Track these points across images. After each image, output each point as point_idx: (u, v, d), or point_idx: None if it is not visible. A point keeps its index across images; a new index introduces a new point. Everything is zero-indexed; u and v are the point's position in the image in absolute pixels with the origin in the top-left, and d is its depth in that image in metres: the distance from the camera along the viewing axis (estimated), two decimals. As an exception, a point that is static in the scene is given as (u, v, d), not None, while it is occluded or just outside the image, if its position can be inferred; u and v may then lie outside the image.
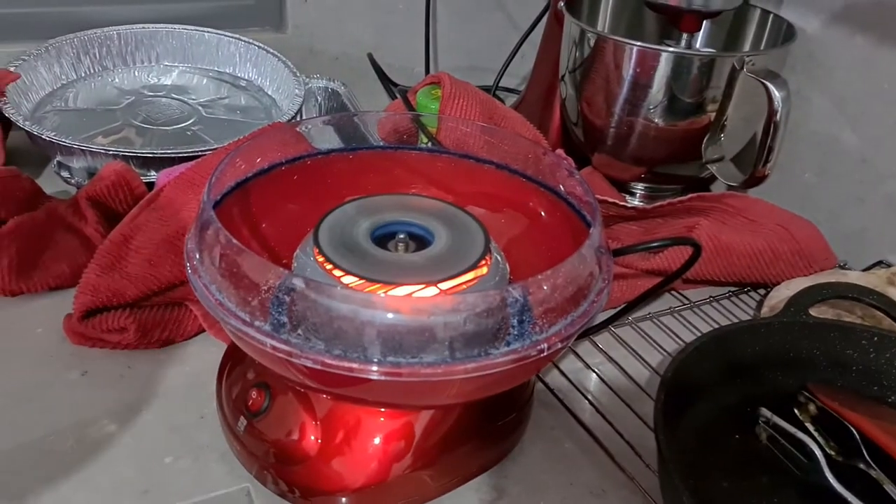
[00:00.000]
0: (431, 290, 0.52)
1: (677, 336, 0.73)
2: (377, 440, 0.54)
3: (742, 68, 0.79)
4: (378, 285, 0.51)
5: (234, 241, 0.47)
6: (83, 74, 0.97)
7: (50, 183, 0.82)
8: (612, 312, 0.73)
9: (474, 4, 1.20)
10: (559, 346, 0.48)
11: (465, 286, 0.54)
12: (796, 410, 0.60)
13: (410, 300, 0.49)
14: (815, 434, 0.58)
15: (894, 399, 0.62)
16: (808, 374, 0.63)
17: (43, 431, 0.58)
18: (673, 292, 0.80)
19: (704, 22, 0.90)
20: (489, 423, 0.59)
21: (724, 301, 0.80)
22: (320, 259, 0.53)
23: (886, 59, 0.81)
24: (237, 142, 0.77)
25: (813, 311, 0.70)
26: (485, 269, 0.55)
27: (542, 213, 0.63)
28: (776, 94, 0.75)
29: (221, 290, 0.48)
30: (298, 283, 0.45)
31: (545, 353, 0.47)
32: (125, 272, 0.67)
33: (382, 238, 0.57)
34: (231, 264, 0.47)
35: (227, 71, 1.03)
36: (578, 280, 0.50)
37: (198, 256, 0.50)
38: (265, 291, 0.46)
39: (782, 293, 0.75)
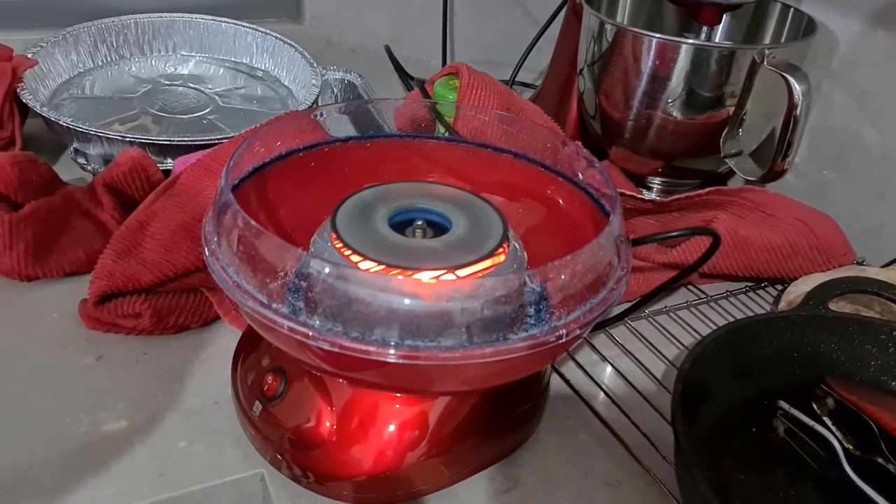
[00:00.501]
0: (449, 277, 0.52)
1: (694, 330, 0.73)
2: (392, 427, 0.53)
3: (762, 61, 0.78)
4: (396, 271, 0.51)
5: (253, 222, 0.47)
6: (100, 62, 0.97)
7: (66, 169, 0.82)
8: (628, 305, 0.72)
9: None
10: (577, 332, 0.48)
11: (482, 273, 0.53)
12: (814, 404, 0.59)
13: (428, 284, 0.48)
14: (833, 428, 0.57)
15: (914, 394, 0.62)
16: (826, 368, 0.62)
17: (58, 415, 0.58)
18: (690, 287, 0.79)
19: (724, 15, 0.90)
20: (504, 413, 0.58)
21: (742, 296, 0.79)
22: (338, 244, 0.53)
23: (908, 54, 0.80)
24: (254, 129, 0.76)
25: (831, 307, 0.70)
26: (502, 257, 0.55)
27: (561, 202, 0.63)
28: (797, 87, 0.75)
29: (239, 272, 0.48)
30: (317, 265, 0.45)
31: (563, 340, 0.47)
32: (141, 258, 0.67)
33: (400, 224, 0.56)
34: (249, 247, 0.47)
35: (244, 61, 1.03)
36: (597, 268, 0.49)
37: (216, 240, 0.50)
38: (283, 274, 0.46)
39: (800, 288, 0.74)
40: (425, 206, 0.58)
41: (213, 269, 0.49)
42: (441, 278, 0.51)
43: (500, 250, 0.55)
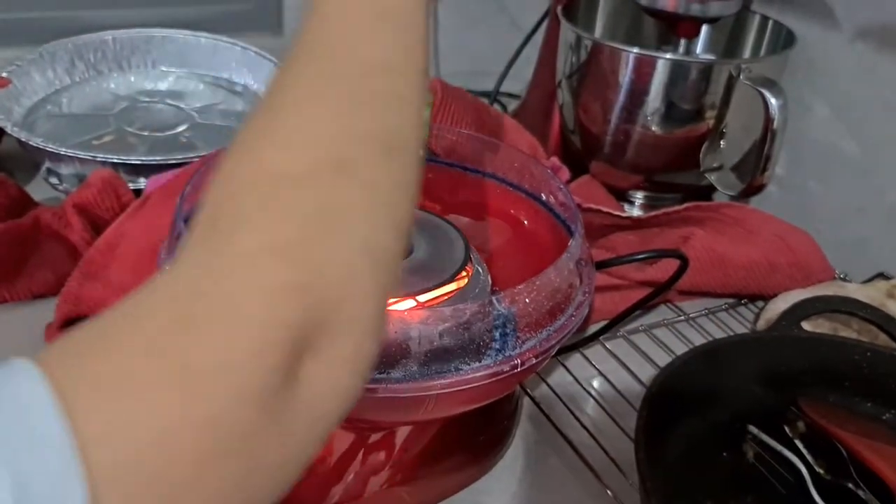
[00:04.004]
0: (409, 303, 0.51)
1: (670, 349, 0.71)
2: (353, 455, 0.53)
3: (739, 76, 0.77)
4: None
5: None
6: (77, 79, 0.96)
7: (40, 189, 0.82)
8: (602, 324, 0.72)
9: (477, 8, 1.19)
10: (534, 361, 0.47)
11: (444, 298, 0.53)
12: (786, 427, 0.58)
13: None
14: (804, 452, 0.56)
15: (888, 416, 0.61)
16: (799, 389, 0.61)
17: (18, 442, 0.57)
18: (668, 304, 0.78)
19: (704, 27, 0.89)
20: (471, 437, 0.58)
21: (721, 313, 0.78)
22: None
23: (887, 67, 0.79)
24: (217, 151, 0.76)
25: (809, 325, 0.69)
26: (465, 281, 0.54)
27: (525, 223, 0.62)
28: (772, 101, 0.74)
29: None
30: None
31: (519, 369, 0.46)
32: (108, 281, 0.66)
33: (361, 249, 0.56)
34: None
35: (224, 76, 1.02)
36: (556, 294, 0.49)
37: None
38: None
39: (779, 306, 0.73)
40: (387, 230, 0.57)
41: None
42: (400, 304, 0.51)
43: (462, 274, 0.54)
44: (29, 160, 0.86)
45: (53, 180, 0.81)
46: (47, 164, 0.81)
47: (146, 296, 0.27)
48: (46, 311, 0.68)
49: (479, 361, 0.45)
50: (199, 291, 0.26)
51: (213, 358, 0.25)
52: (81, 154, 0.77)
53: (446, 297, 0.53)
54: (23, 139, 0.78)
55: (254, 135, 0.32)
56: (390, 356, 0.45)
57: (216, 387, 0.25)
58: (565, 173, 0.82)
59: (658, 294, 0.64)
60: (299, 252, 0.28)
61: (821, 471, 0.55)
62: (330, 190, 0.30)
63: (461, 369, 0.45)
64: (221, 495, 0.25)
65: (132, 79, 1.00)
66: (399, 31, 0.36)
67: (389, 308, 0.49)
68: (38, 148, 0.78)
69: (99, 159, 0.77)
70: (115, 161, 0.78)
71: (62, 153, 0.77)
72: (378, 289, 0.30)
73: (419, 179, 0.34)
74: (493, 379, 0.46)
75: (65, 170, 0.80)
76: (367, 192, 0.31)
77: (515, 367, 0.46)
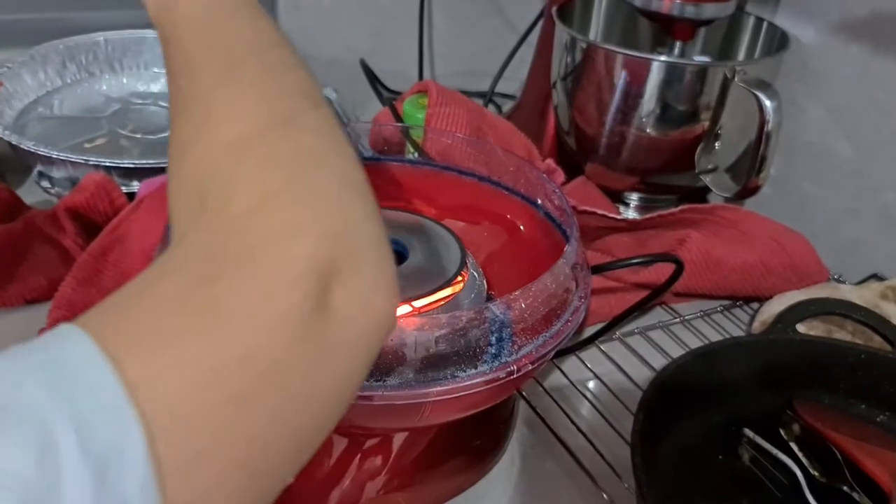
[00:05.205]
0: (405, 308, 0.51)
1: (666, 352, 0.71)
2: (350, 461, 0.52)
3: (733, 78, 0.77)
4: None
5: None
6: (69, 81, 0.95)
7: (32, 193, 0.81)
8: (599, 327, 0.71)
9: (472, 9, 1.19)
10: (530, 367, 0.47)
11: (440, 303, 0.53)
12: (781, 430, 0.58)
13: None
14: (799, 455, 0.56)
15: (882, 418, 0.61)
16: (794, 391, 0.61)
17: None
18: (663, 306, 0.78)
19: (699, 29, 0.89)
20: (467, 442, 0.57)
21: (716, 315, 0.78)
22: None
23: (881, 69, 0.79)
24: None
25: (804, 327, 0.69)
26: (460, 286, 0.54)
27: (522, 227, 0.62)
28: (767, 103, 0.74)
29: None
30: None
31: (515, 375, 0.46)
32: (101, 286, 0.66)
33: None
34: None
35: (217, 78, 1.02)
36: (552, 299, 0.49)
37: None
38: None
39: (774, 308, 0.73)
40: (382, 235, 0.57)
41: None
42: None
43: (458, 279, 0.54)
44: (21, 163, 0.86)
45: (45, 184, 0.80)
46: (39, 168, 0.80)
47: (164, 264, 0.28)
48: (39, 316, 0.67)
49: (476, 368, 0.45)
50: (216, 252, 0.28)
51: (240, 300, 0.26)
52: (73, 157, 0.77)
53: (442, 303, 0.53)
54: (14, 142, 0.78)
55: (192, 130, 0.33)
56: (386, 363, 0.45)
57: (248, 326, 0.26)
58: (560, 175, 0.82)
59: (653, 297, 0.64)
60: (294, 193, 0.30)
61: (816, 473, 0.55)
62: (291, 138, 0.32)
63: (457, 376, 0.45)
64: (269, 429, 0.27)
65: (124, 80, 0.99)
66: (257, 15, 0.37)
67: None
68: (29, 151, 0.78)
69: (91, 163, 0.77)
70: (108, 164, 0.77)
71: (54, 156, 0.76)
72: (372, 212, 0.32)
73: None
74: (490, 385, 0.46)
75: (57, 173, 0.79)
76: (320, 136, 0.33)
77: (512, 373, 0.46)
